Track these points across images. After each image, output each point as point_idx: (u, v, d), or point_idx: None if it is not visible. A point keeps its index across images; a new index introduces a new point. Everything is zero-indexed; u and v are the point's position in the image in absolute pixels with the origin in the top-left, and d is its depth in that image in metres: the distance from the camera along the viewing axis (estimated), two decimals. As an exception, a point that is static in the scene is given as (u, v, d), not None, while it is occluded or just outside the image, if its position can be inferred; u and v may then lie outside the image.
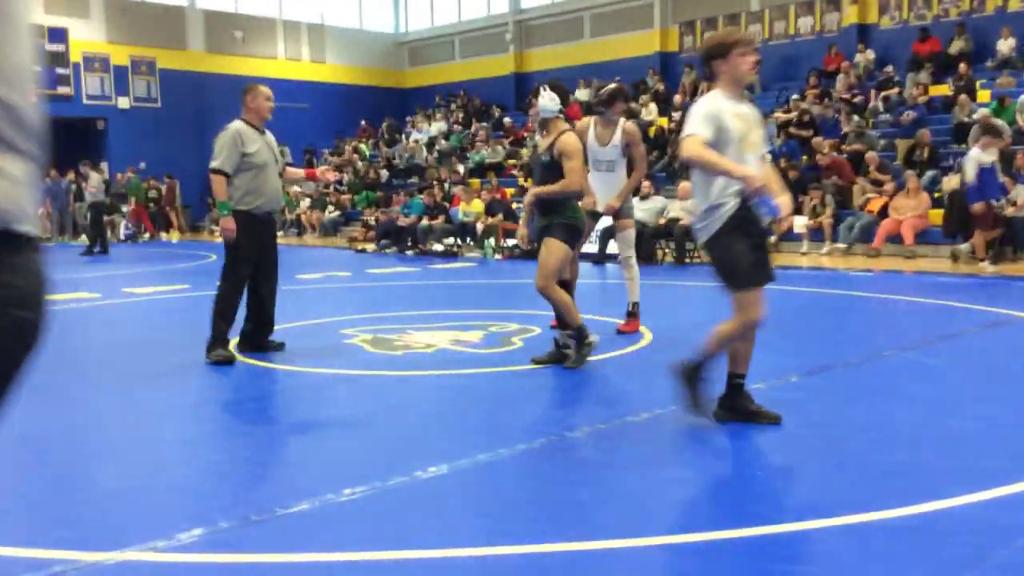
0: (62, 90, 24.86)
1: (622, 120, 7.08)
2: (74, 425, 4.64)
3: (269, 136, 6.46)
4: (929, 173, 14.77)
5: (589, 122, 7.12)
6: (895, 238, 13.76)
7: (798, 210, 15.17)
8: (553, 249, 5.63)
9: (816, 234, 14.79)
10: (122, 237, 23.25)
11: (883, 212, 14.21)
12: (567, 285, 5.74)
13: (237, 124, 6.30)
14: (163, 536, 3.05)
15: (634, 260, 7.37)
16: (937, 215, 14.06)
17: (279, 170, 6.48)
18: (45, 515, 3.33)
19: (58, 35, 24.73)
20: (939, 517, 3.13)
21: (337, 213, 23.57)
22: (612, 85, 7.15)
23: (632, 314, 7.28)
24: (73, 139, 27.60)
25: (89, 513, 3.34)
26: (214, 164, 6.19)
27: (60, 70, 24.81)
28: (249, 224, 6.20)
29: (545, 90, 5.66)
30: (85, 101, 25.65)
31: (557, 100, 5.61)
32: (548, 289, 5.66)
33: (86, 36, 25.50)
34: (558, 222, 5.65)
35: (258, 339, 6.50)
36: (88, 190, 19.16)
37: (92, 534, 3.10)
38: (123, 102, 26.21)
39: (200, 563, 2.87)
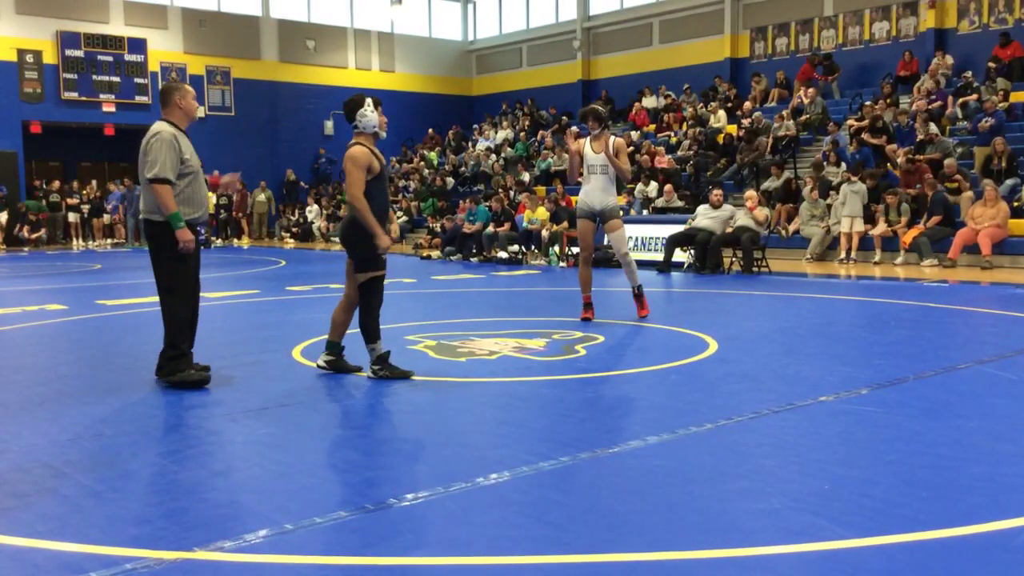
0: (140, 99, 25.64)
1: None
2: (147, 424, 4.76)
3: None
4: (1008, 182, 14.33)
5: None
6: (972, 248, 13.37)
7: (871, 219, 14.85)
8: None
9: (890, 243, 14.44)
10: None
11: (959, 222, 13.82)
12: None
13: (167, 127, 5.61)
14: (230, 537, 3.11)
15: (631, 256, 8.35)
16: (1016, 225, 13.64)
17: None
18: (117, 513, 3.42)
19: (137, 46, 25.53)
20: (1014, 535, 3.03)
21: (403, 219, 23.81)
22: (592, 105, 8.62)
23: (639, 296, 8.30)
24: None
25: (159, 512, 3.42)
26: (155, 172, 5.46)
27: (139, 80, 25.61)
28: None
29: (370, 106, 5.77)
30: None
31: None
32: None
33: (164, 47, 26.26)
34: (359, 256, 5.83)
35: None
36: None
37: (161, 533, 3.17)
38: (198, 111, 26.89)
39: (264, 563, 2.91)
